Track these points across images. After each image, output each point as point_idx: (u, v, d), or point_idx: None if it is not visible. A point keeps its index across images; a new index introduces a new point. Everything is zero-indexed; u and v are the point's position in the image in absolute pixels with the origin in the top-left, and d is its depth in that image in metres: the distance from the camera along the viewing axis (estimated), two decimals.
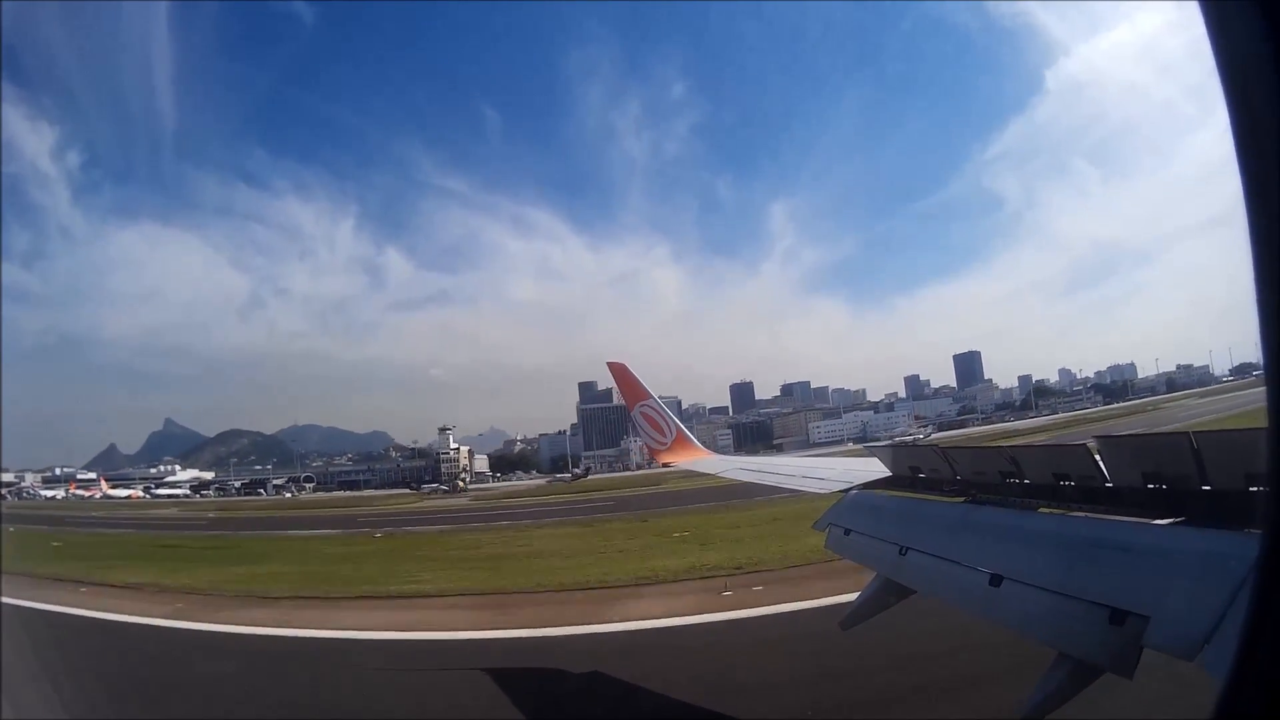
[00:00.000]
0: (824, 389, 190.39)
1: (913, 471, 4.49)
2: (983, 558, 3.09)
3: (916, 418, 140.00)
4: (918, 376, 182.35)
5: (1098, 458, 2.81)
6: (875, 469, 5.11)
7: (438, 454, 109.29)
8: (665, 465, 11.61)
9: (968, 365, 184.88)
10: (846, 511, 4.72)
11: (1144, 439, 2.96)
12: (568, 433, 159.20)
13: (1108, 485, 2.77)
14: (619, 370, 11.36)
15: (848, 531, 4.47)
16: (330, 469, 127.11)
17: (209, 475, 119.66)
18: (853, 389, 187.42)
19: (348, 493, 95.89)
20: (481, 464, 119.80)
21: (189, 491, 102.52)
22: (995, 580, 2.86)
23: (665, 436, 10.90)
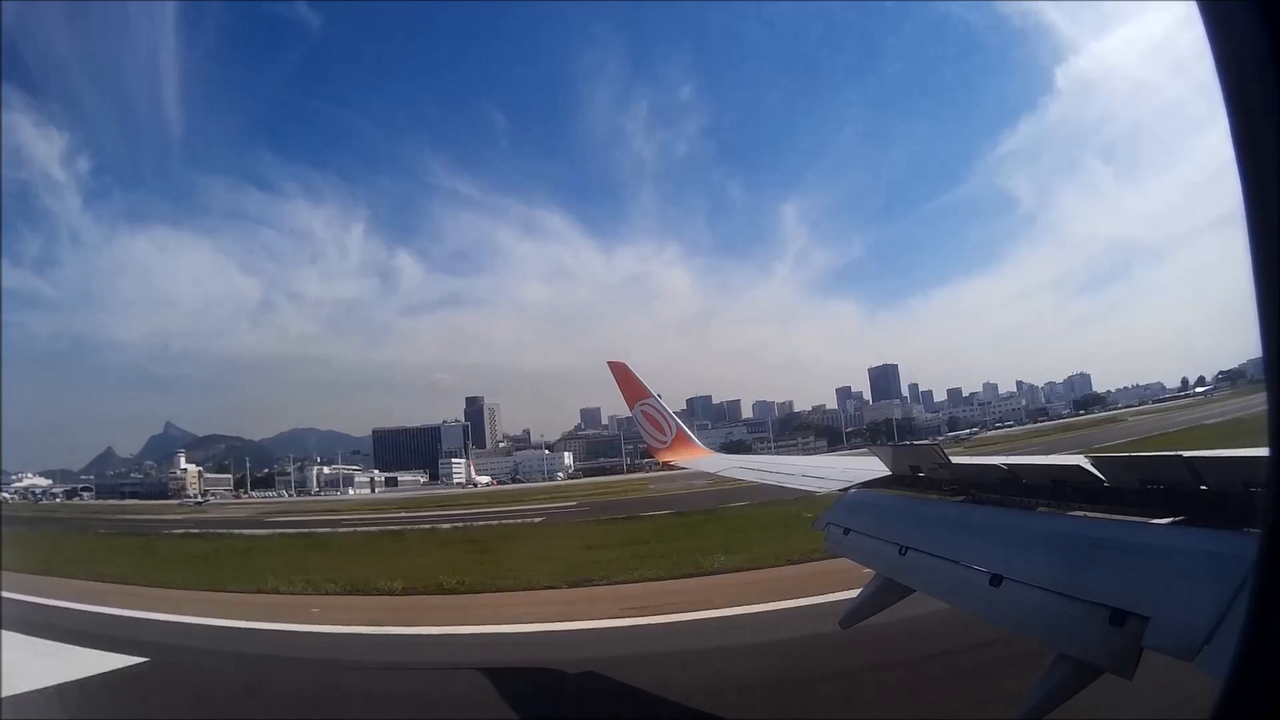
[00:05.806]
0: (736, 401, 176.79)
1: (913, 471, 4.49)
2: (983, 557, 3.08)
3: (476, 470, 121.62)
4: (849, 388, 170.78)
5: (1096, 472, 2.81)
6: (875, 468, 5.10)
7: (169, 473, 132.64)
8: (666, 465, 11.59)
9: (883, 379, 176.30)
10: (845, 511, 4.71)
11: (1139, 460, 2.96)
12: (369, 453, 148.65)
13: (1107, 486, 2.77)
14: (619, 369, 11.36)
15: (847, 531, 4.46)
16: (115, 479, 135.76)
17: (46, 482, 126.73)
18: (778, 401, 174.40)
19: (118, 500, 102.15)
20: (225, 484, 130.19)
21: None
22: (995, 580, 2.85)
23: (665, 435, 10.90)
